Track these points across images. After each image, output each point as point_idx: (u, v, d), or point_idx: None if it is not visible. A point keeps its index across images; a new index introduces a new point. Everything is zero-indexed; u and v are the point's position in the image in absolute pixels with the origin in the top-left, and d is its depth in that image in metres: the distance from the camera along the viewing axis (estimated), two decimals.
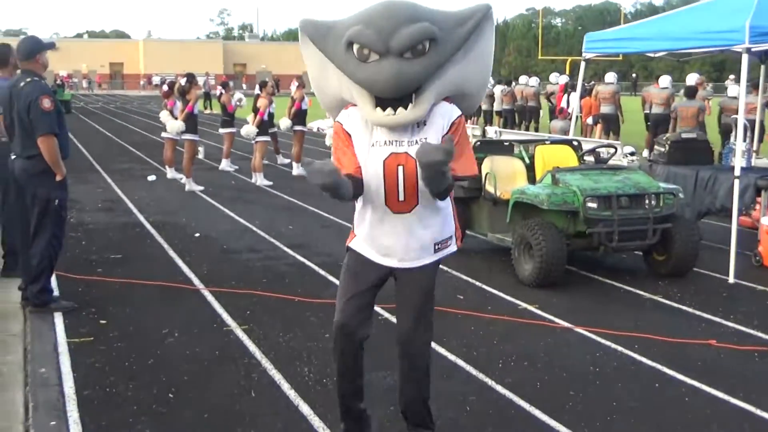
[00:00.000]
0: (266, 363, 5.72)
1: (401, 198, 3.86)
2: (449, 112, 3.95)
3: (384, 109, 3.70)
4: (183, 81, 15.63)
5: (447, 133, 3.86)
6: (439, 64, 3.81)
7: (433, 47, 3.73)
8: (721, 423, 4.90)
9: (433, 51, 3.74)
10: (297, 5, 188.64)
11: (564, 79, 25.17)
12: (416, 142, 3.78)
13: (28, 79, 6.66)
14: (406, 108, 3.71)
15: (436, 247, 4.06)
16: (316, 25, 3.99)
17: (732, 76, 28.52)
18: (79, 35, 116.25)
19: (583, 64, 12.06)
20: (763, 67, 13.27)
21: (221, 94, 18.22)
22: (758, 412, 5.03)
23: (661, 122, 19.38)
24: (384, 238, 3.98)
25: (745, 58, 8.81)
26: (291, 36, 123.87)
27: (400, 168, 3.81)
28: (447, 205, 4.09)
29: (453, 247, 4.21)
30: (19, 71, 7.00)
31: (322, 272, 8.41)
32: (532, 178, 8.80)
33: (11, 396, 5.00)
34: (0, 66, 7.71)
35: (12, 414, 4.73)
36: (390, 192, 3.85)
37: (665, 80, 20.15)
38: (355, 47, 3.69)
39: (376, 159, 3.83)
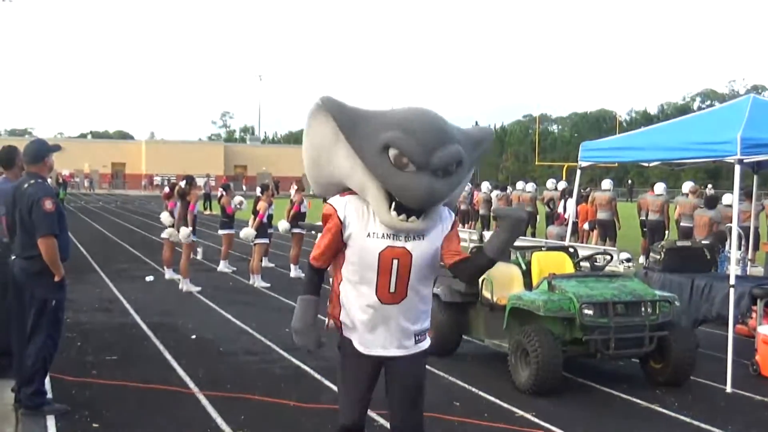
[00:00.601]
0: None
1: (392, 290, 3.95)
2: (447, 215, 4.13)
3: (399, 214, 3.81)
4: (182, 183, 15.80)
5: (450, 232, 4.08)
6: (460, 183, 4.06)
7: (458, 169, 3.92)
8: None
9: (458, 172, 3.94)
10: (298, 110, 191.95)
11: (562, 185, 25.45)
12: (413, 237, 3.92)
13: (32, 181, 6.76)
14: (418, 217, 3.85)
15: (417, 338, 4.13)
16: (343, 108, 3.99)
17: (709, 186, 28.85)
18: (83, 135, 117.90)
19: (578, 172, 12.22)
20: (756, 176, 13.47)
21: (221, 195, 18.35)
22: None
23: (656, 229, 19.55)
24: (369, 329, 4.05)
25: (737, 168, 8.96)
26: (291, 139, 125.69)
27: (395, 261, 3.90)
28: (430, 301, 4.26)
29: (428, 341, 4.28)
30: (24, 173, 7.10)
31: (318, 376, 8.35)
32: (528, 284, 8.81)
33: None
34: (6, 167, 7.84)
35: None
36: (382, 283, 3.93)
37: (660, 187, 20.41)
38: (393, 153, 3.75)
39: (373, 250, 3.90)
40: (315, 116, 4.03)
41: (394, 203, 3.82)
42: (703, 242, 13.49)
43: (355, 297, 4.03)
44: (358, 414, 4.15)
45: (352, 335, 4.12)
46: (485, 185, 29.05)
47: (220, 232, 17.86)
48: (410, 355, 4.12)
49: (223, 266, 17.41)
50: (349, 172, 3.98)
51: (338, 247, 4.01)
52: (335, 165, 4.06)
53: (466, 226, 26.82)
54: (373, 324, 4.03)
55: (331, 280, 4.17)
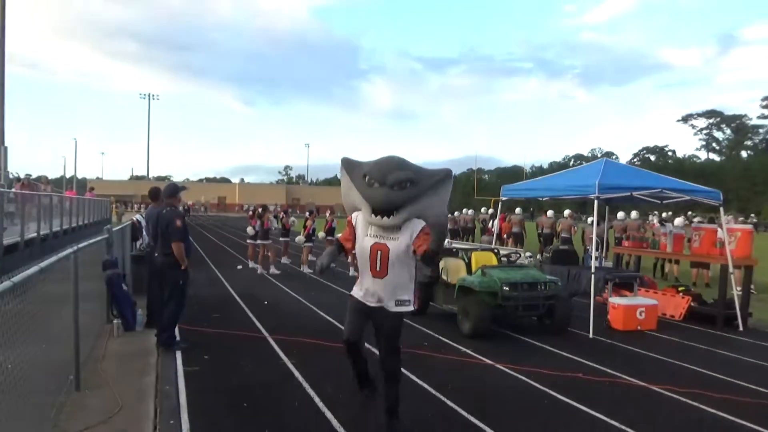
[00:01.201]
0: (305, 384, 5.64)
1: (378, 269, 4.23)
2: (417, 225, 4.24)
3: (376, 216, 4.12)
4: (260, 209, 15.88)
5: (417, 236, 4.18)
6: (412, 197, 4.16)
7: (411, 186, 4.13)
8: (579, 424, 4.82)
9: (410, 188, 4.14)
10: (329, 164, 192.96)
11: (491, 211, 25.40)
12: (391, 238, 4.19)
13: (169, 208, 6.82)
14: (389, 217, 4.11)
15: (396, 302, 4.31)
16: (351, 162, 4.48)
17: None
18: (201, 180, 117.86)
19: (500, 203, 12.27)
20: (607, 206, 13.50)
21: (283, 216, 18.30)
22: (609, 420, 4.95)
23: (548, 239, 19.54)
24: (367, 289, 4.33)
25: (596, 202, 9.00)
26: (327, 182, 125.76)
27: (379, 251, 4.21)
28: (410, 281, 4.36)
29: (410, 307, 4.41)
30: (164, 203, 7.15)
31: (342, 326, 8.31)
32: (469, 271, 8.82)
33: (147, 404, 4.91)
34: (153, 200, 7.87)
35: (147, 415, 4.66)
36: (372, 264, 4.23)
37: (550, 213, 20.58)
38: (367, 177, 4.16)
39: (367, 244, 4.24)
40: (342, 170, 4.49)
41: (373, 209, 4.14)
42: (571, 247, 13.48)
43: (362, 274, 4.36)
44: (352, 332, 4.43)
45: (356, 292, 4.45)
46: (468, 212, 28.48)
47: (281, 239, 17.80)
48: (390, 312, 4.31)
49: (284, 259, 17.31)
50: (356, 198, 4.33)
51: (351, 236, 4.36)
52: (352, 195, 4.39)
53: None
54: (368, 287, 4.32)
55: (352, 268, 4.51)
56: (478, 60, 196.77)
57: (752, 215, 50.31)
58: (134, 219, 12.43)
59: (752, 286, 9.69)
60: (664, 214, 17.81)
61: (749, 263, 9.86)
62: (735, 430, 4.87)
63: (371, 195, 4.14)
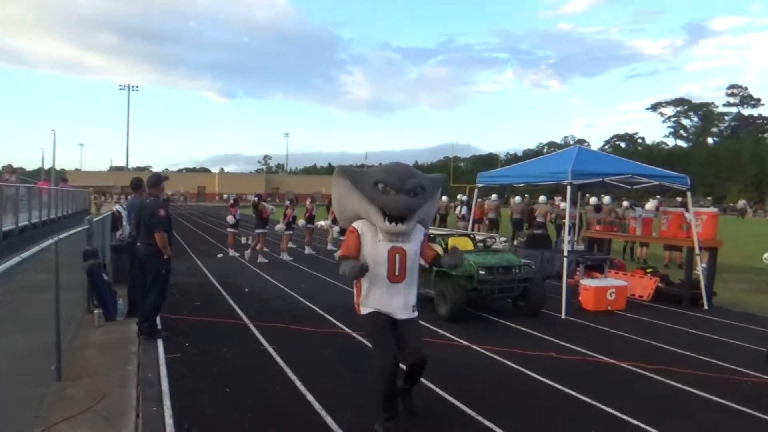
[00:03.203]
0: (287, 368, 5.64)
1: (397, 273, 4.07)
2: (423, 230, 4.30)
3: (391, 222, 3.99)
4: (256, 198, 15.64)
5: (424, 240, 4.27)
6: (426, 201, 4.20)
7: (421, 192, 4.10)
8: (552, 400, 4.91)
9: (422, 194, 4.11)
10: (312, 155, 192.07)
11: (463, 198, 25.46)
12: (404, 241, 4.09)
13: (152, 198, 6.75)
14: (403, 223, 4.01)
15: (413, 308, 4.20)
16: (352, 171, 4.30)
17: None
18: (180, 170, 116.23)
19: (476, 190, 12.32)
20: (579, 192, 13.65)
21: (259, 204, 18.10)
22: (580, 396, 5.05)
23: (518, 224, 19.69)
24: (387, 299, 4.10)
25: (569, 188, 9.09)
26: (306, 171, 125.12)
27: (397, 255, 4.06)
28: (416, 285, 4.29)
29: (417, 313, 4.28)
30: (146, 193, 7.06)
31: (321, 312, 8.34)
32: None
33: (129, 391, 4.87)
34: (135, 190, 7.76)
35: (129, 403, 4.62)
36: (391, 268, 4.05)
37: (518, 198, 20.79)
38: (381, 185, 4.01)
39: (382, 249, 4.05)
40: (337, 178, 4.25)
41: (387, 216, 3.98)
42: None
43: (376, 282, 4.09)
44: (393, 356, 3.99)
45: (374, 306, 4.12)
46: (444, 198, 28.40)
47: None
48: (414, 318, 4.20)
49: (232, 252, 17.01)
50: (359, 207, 4.13)
51: (357, 247, 4.09)
52: (352, 204, 4.20)
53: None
54: (386, 296, 4.09)
55: (354, 282, 4.24)
56: (456, 50, 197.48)
57: (708, 198, 51.33)
58: (114, 209, 12.23)
59: (702, 266, 9.86)
60: (625, 203, 18.00)
61: (714, 245, 10.08)
62: (701, 402, 5.00)
63: (390, 202, 3.97)
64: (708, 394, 5.15)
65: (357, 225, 4.15)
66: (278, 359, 5.93)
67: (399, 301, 4.10)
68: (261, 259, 14.31)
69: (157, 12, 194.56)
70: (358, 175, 4.22)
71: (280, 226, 15.69)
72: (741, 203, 38.75)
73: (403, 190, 3.97)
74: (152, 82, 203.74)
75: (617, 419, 4.54)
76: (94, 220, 8.72)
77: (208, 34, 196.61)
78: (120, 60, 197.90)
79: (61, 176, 37.49)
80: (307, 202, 17.68)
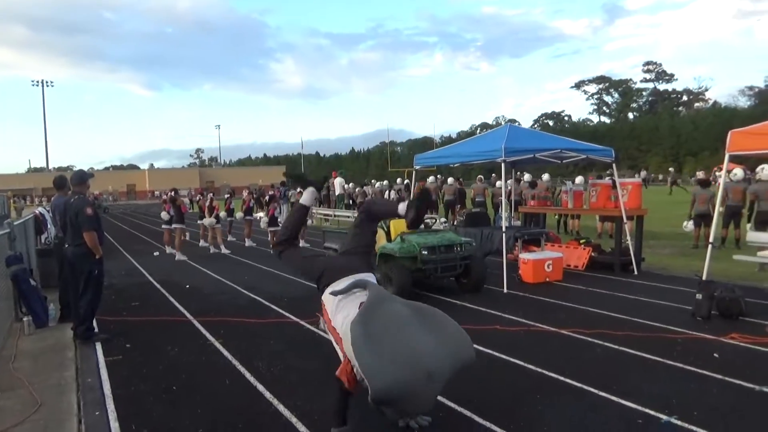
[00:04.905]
0: (234, 361, 5.53)
1: None
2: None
3: None
4: (171, 194, 15.26)
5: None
6: None
7: None
8: (499, 371, 5.05)
9: None
10: (246, 146, 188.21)
11: (405, 182, 25.68)
12: None
13: (77, 197, 6.39)
14: None
15: None
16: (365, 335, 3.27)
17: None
18: (107, 168, 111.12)
19: (414, 173, 12.42)
20: (513, 169, 14.01)
21: (199, 199, 17.65)
22: (526, 364, 5.21)
23: (451, 204, 20.03)
24: None
25: (503, 165, 9.31)
26: (241, 163, 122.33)
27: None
28: None
29: None
30: (70, 192, 6.69)
31: (267, 303, 8.22)
32: (389, 239, 8.93)
33: (68, 398, 4.65)
34: (59, 189, 7.35)
35: (69, 410, 4.41)
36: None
37: (450, 180, 21.12)
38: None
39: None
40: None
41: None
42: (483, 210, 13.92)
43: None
44: None
45: None
46: (377, 184, 28.42)
47: (199, 222, 17.09)
48: None
49: (202, 243, 16.71)
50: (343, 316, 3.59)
51: None
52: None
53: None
54: None
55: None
56: (385, 35, 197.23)
57: (643, 171, 53.91)
58: (36, 212, 11.56)
59: (627, 237, 10.38)
60: (545, 176, 18.57)
61: (640, 213, 10.61)
62: (637, 361, 5.27)
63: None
64: (643, 353, 5.44)
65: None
66: (225, 353, 5.81)
67: None
68: (179, 256, 13.83)
69: (67, 2, 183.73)
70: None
71: (209, 220, 15.30)
72: (672, 174, 40.50)
73: None
74: (69, 77, 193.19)
75: (561, 383, 4.73)
76: (15, 223, 8.22)
77: (127, 25, 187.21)
78: (31, 54, 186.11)
79: None
80: (245, 193, 17.34)
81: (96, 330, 6.60)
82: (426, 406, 3.38)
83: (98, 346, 6.14)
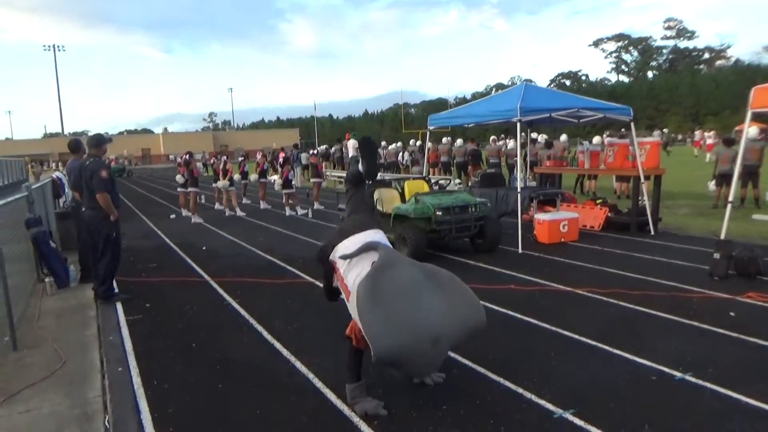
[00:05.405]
0: (252, 320, 5.62)
1: None
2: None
3: None
4: (186, 157, 15.29)
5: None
6: None
7: None
8: (514, 329, 5.08)
9: None
10: (259, 110, 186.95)
11: (418, 143, 25.40)
12: None
13: (92, 159, 6.41)
14: None
15: None
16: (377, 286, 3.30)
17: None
18: (121, 132, 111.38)
19: (428, 134, 12.30)
20: (529, 130, 13.82)
21: (213, 162, 17.74)
22: (539, 323, 5.24)
23: (462, 165, 19.84)
24: None
25: (518, 125, 9.17)
26: (254, 127, 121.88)
27: None
28: None
29: None
30: (85, 155, 6.72)
31: (282, 264, 8.30)
32: (403, 200, 8.91)
33: (91, 355, 4.78)
34: (75, 152, 7.39)
35: (93, 366, 4.53)
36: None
37: (460, 142, 20.83)
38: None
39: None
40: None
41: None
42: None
43: None
44: None
45: None
46: (391, 146, 28.10)
47: (213, 185, 17.19)
48: None
49: (217, 206, 16.85)
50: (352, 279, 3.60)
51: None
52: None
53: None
54: None
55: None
56: None
57: (665, 131, 52.77)
58: (54, 176, 11.69)
59: (644, 197, 10.24)
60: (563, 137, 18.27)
61: (658, 173, 10.45)
62: (651, 319, 5.27)
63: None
64: (658, 312, 5.44)
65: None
66: (242, 312, 5.90)
67: None
68: (195, 218, 13.92)
69: None
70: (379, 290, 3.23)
71: (222, 183, 15.38)
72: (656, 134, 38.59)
73: None
74: (80, 41, 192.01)
75: (575, 341, 4.75)
76: (33, 187, 8.31)
77: None
78: (42, 18, 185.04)
79: None
80: (258, 156, 17.33)
81: (116, 290, 6.73)
82: (430, 370, 3.42)
83: (119, 306, 6.27)
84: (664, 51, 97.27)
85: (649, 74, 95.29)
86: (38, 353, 4.82)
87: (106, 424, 3.55)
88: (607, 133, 20.98)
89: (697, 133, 33.49)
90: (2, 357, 4.59)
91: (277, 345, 4.85)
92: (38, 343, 5.06)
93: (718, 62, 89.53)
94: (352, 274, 3.54)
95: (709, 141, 29.94)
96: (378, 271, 3.32)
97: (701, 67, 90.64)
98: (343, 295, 3.70)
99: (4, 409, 3.78)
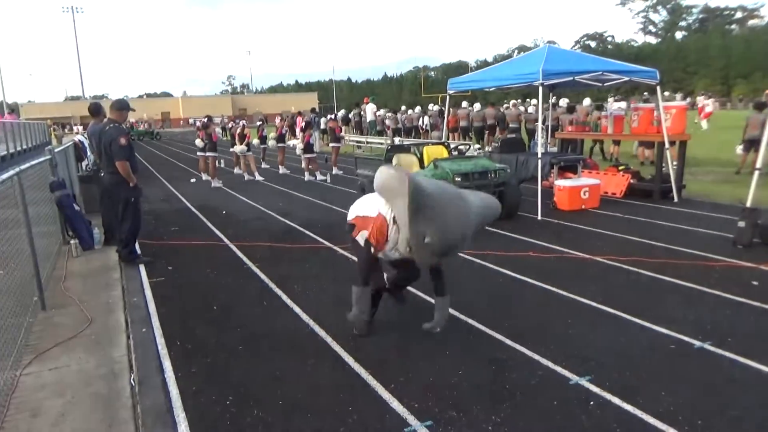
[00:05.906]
0: (271, 284, 5.70)
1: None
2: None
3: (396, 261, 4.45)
4: (205, 120, 15.32)
5: None
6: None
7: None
8: (532, 296, 5.09)
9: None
10: (274, 71, 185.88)
11: (436, 108, 25.09)
12: None
13: (112, 125, 6.46)
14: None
15: None
16: (421, 193, 3.65)
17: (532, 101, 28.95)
18: (141, 96, 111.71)
19: (448, 98, 12.12)
20: (551, 94, 13.55)
21: (232, 127, 17.74)
22: (558, 290, 5.23)
23: (480, 131, 19.62)
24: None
25: (540, 89, 8.99)
26: (273, 90, 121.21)
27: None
28: None
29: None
30: (106, 119, 6.76)
31: (301, 229, 8.37)
32: (422, 166, 8.87)
33: (117, 316, 4.90)
34: (94, 116, 7.43)
35: (118, 326, 4.65)
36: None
37: (477, 106, 20.52)
38: (426, 239, 3.71)
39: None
40: (401, 182, 3.67)
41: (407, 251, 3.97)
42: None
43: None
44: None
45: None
46: (411, 111, 27.77)
47: (231, 150, 17.22)
48: None
49: (236, 170, 16.94)
50: (398, 213, 3.88)
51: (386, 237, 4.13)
52: (395, 206, 3.87)
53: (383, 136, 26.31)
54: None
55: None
56: None
57: (687, 97, 51.38)
58: (75, 140, 11.81)
59: (672, 163, 10.03)
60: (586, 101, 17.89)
61: (683, 138, 10.22)
62: (672, 287, 5.24)
63: (419, 256, 3.81)
64: (679, 280, 5.39)
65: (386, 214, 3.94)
66: (262, 276, 5.99)
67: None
68: (215, 183, 14.04)
69: None
70: (423, 197, 3.60)
71: (240, 147, 15.42)
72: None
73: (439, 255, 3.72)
74: (99, 2, 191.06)
75: (593, 308, 4.75)
76: (56, 150, 8.42)
77: None
78: None
79: (17, 109, 35.73)
80: (277, 120, 17.31)
81: (139, 253, 6.86)
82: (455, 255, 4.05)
83: (142, 268, 6.40)
84: (694, 10, 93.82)
85: (678, 35, 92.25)
86: (66, 313, 4.96)
87: (132, 382, 3.66)
88: (616, 97, 20.55)
89: (700, 98, 30.81)
90: (32, 316, 4.74)
91: (296, 309, 4.93)
92: (65, 304, 5.21)
93: (751, 21, 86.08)
94: (356, 207, 4.28)
95: (708, 109, 26.85)
96: (417, 175, 3.78)
97: (733, 27, 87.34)
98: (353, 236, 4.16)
99: (35, 366, 3.92)
